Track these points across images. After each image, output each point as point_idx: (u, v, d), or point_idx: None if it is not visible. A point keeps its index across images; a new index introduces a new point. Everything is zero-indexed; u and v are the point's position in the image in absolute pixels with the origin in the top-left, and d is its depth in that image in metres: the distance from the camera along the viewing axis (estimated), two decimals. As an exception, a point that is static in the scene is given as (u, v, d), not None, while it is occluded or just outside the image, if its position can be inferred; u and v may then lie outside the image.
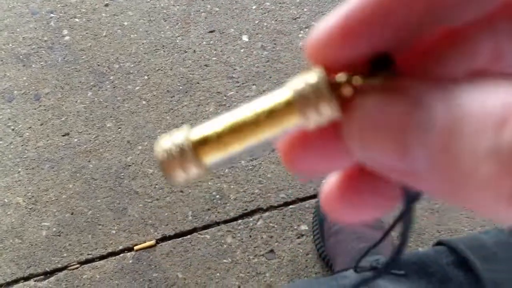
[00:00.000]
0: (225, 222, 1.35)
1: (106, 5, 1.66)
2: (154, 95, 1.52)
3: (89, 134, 1.47)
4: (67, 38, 1.61)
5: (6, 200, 1.40)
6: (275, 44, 1.58)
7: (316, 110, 0.17)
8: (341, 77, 0.18)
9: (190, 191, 1.39)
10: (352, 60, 0.18)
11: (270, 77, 1.52)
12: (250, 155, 1.35)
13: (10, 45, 1.60)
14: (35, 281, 1.31)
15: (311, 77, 0.18)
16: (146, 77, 1.55)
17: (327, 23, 0.17)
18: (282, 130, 0.18)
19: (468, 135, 0.14)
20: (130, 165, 1.43)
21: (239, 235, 1.33)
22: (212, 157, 0.19)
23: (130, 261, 1.32)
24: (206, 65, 1.56)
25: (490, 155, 0.13)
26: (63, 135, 1.47)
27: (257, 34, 1.61)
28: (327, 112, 0.18)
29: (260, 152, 1.28)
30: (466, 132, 0.14)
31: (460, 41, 0.18)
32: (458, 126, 0.14)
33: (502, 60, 0.18)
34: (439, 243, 0.80)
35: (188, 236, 1.34)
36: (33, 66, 1.57)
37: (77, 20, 1.64)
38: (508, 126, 0.13)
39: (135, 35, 1.61)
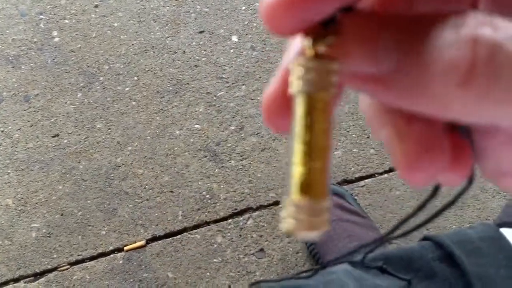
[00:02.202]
0: (215, 221, 1.35)
1: (96, 6, 1.66)
2: (144, 96, 1.52)
3: (79, 135, 1.47)
4: (56, 39, 1.61)
5: (-5, 202, 1.39)
6: (264, 44, 1.59)
7: (327, 78, 0.19)
8: (308, 41, 0.20)
9: (180, 191, 1.39)
10: (305, 23, 0.19)
11: (259, 77, 1.52)
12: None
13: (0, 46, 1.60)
14: (25, 282, 1.31)
15: (298, 69, 0.19)
16: (136, 78, 1.55)
17: None
18: (329, 116, 0.20)
19: (433, 33, 0.16)
20: (120, 166, 1.43)
21: (229, 234, 1.33)
22: (318, 188, 0.19)
23: (121, 262, 1.32)
24: (196, 66, 1.56)
25: (450, 46, 0.16)
26: (53, 136, 1.47)
27: (246, 34, 1.61)
28: (332, 71, 0.19)
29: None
30: (431, 31, 0.16)
31: None
32: (422, 28, 0.17)
33: None
34: (425, 238, 0.80)
35: (178, 236, 1.34)
36: (23, 67, 1.57)
37: (66, 21, 1.64)
38: (465, 25, 0.16)
39: (125, 36, 1.61)
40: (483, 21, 0.16)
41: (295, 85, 0.19)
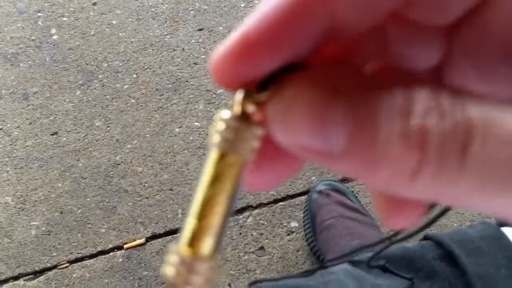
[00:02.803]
0: (215, 219, 1.35)
1: (94, 3, 1.66)
2: (143, 94, 1.52)
3: (78, 133, 1.47)
4: (55, 37, 1.61)
5: (-6, 200, 1.39)
6: (263, 41, 1.58)
7: (245, 143, 0.19)
8: (239, 95, 0.19)
9: (179, 189, 1.39)
10: (252, 77, 0.19)
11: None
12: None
13: (-2, 44, 1.60)
14: (24, 280, 1.31)
15: (219, 124, 0.19)
16: (134, 75, 1.54)
17: (226, 45, 0.18)
18: (237, 179, 0.19)
19: (382, 122, 0.16)
20: (119, 164, 1.43)
21: (229, 232, 1.33)
22: (206, 245, 0.19)
23: (120, 260, 1.32)
24: (195, 63, 1.56)
25: (399, 136, 0.16)
26: (52, 134, 1.47)
27: (245, 32, 1.60)
28: (253, 136, 0.19)
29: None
30: (379, 121, 0.16)
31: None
32: (372, 115, 0.16)
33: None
34: (425, 238, 0.80)
35: (178, 234, 1.34)
36: (21, 65, 1.56)
37: (65, 19, 1.64)
38: (413, 114, 0.16)
39: (124, 34, 1.61)
40: (430, 107, 0.16)
41: (213, 137, 0.19)
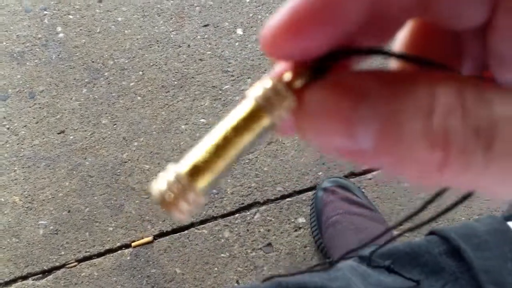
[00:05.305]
0: (222, 216, 1.35)
1: (100, 1, 1.65)
2: (149, 91, 1.51)
3: (85, 131, 1.47)
4: (61, 35, 1.61)
5: (2, 199, 1.39)
6: (270, 36, 1.57)
7: (280, 107, 0.20)
8: (287, 75, 0.20)
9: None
10: (303, 54, 0.19)
11: (265, 70, 1.51)
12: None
13: (4, 43, 1.60)
14: (33, 280, 1.31)
15: (266, 83, 0.20)
16: (140, 72, 1.54)
17: (279, 17, 0.19)
18: (256, 135, 0.20)
19: (405, 122, 0.17)
20: (126, 162, 1.42)
21: (236, 229, 1.33)
22: (205, 181, 0.20)
23: (128, 258, 1.32)
24: (200, 59, 1.55)
25: (422, 135, 0.17)
26: (59, 133, 1.47)
27: (251, 27, 1.60)
28: (288, 105, 0.20)
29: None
30: (403, 121, 0.17)
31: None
32: (396, 115, 0.17)
33: None
34: (431, 233, 0.79)
35: (186, 232, 1.34)
36: (27, 64, 1.56)
37: (71, 17, 1.64)
38: (435, 114, 0.17)
39: (129, 31, 1.61)
40: (452, 106, 0.17)
41: (255, 91, 0.20)
